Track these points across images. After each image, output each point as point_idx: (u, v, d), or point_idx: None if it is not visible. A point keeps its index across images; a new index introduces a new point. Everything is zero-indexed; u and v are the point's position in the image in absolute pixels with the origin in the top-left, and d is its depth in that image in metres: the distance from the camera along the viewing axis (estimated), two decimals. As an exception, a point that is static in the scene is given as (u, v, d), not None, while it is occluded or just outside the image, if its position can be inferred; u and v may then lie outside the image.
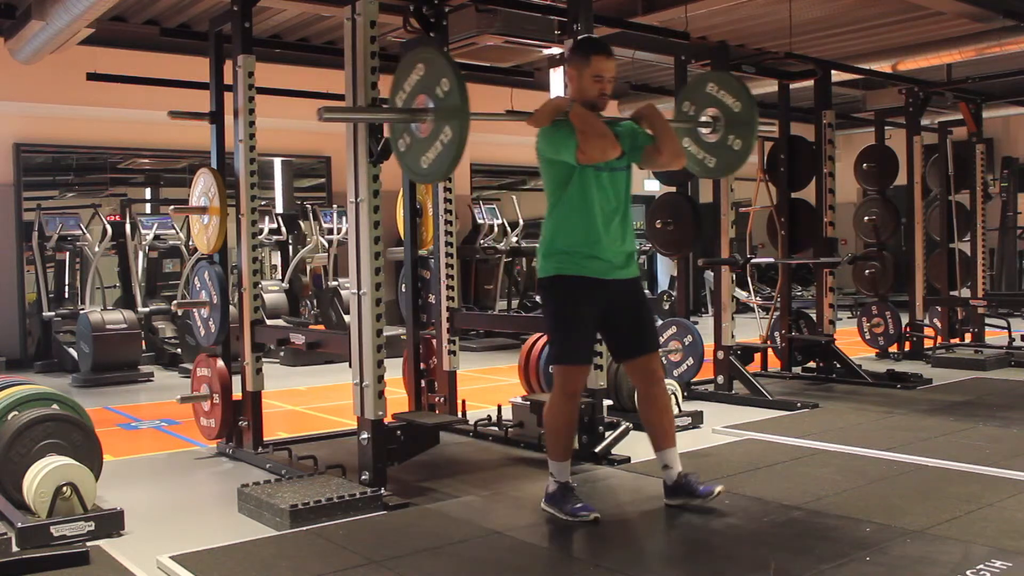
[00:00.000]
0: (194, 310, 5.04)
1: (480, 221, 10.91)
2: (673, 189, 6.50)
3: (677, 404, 5.25)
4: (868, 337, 8.27)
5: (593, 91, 3.46)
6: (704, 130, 4.23)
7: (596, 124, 3.38)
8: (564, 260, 3.46)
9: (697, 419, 5.33)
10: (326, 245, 9.97)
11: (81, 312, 8.09)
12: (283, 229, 10.63)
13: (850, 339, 8.30)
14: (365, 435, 3.89)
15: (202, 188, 4.90)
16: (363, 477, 3.88)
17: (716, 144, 4.21)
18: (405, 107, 3.45)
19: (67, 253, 9.39)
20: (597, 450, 4.38)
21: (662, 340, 6.11)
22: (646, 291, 3.69)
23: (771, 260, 7.42)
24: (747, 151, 4.14)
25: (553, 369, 3.54)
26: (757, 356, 7.12)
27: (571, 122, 3.38)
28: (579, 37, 4.19)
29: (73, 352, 8.08)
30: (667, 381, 5.13)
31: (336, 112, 3.73)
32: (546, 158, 3.50)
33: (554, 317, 3.52)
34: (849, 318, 10.60)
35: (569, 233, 3.46)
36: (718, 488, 3.47)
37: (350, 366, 3.94)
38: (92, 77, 7.07)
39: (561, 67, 4.68)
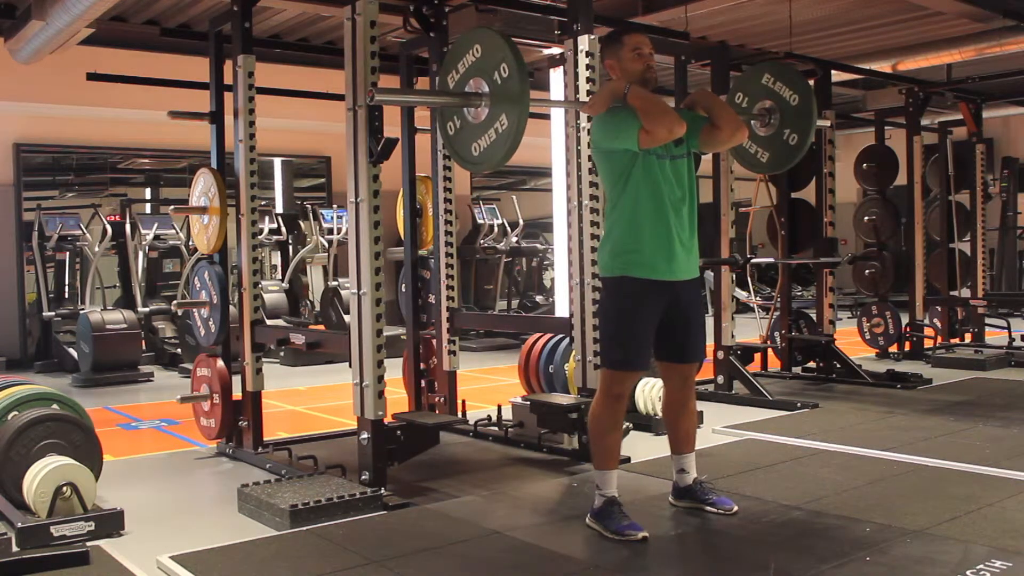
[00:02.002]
0: (194, 310, 5.04)
1: (480, 221, 10.92)
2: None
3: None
4: (868, 337, 8.27)
5: (638, 66, 3.31)
6: (756, 123, 4.09)
7: (658, 101, 3.21)
8: (632, 260, 3.28)
9: (697, 419, 5.31)
10: (326, 245, 9.98)
11: (81, 312, 8.09)
12: (283, 229, 10.63)
13: (850, 339, 8.30)
14: (365, 435, 3.89)
15: (202, 188, 4.90)
16: (363, 477, 3.88)
17: (770, 138, 4.04)
18: (459, 90, 3.29)
19: (67, 253, 9.39)
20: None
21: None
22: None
23: (771, 260, 7.42)
24: (804, 146, 3.97)
25: (603, 373, 3.36)
26: (757, 356, 7.11)
27: (629, 106, 3.21)
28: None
29: (73, 352, 8.08)
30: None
31: (388, 94, 3.63)
32: (603, 149, 3.34)
33: (616, 320, 3.31)
34: (849, 318, 10.59)
35: (638, 228, 3.26)
36: (735, 507, 3.46)
37: (350, 366, 3.94)
38: (92, 77, 7.07)
39: (561, 67, 4.68)
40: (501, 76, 3.14)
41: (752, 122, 4.11)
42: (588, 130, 4.26)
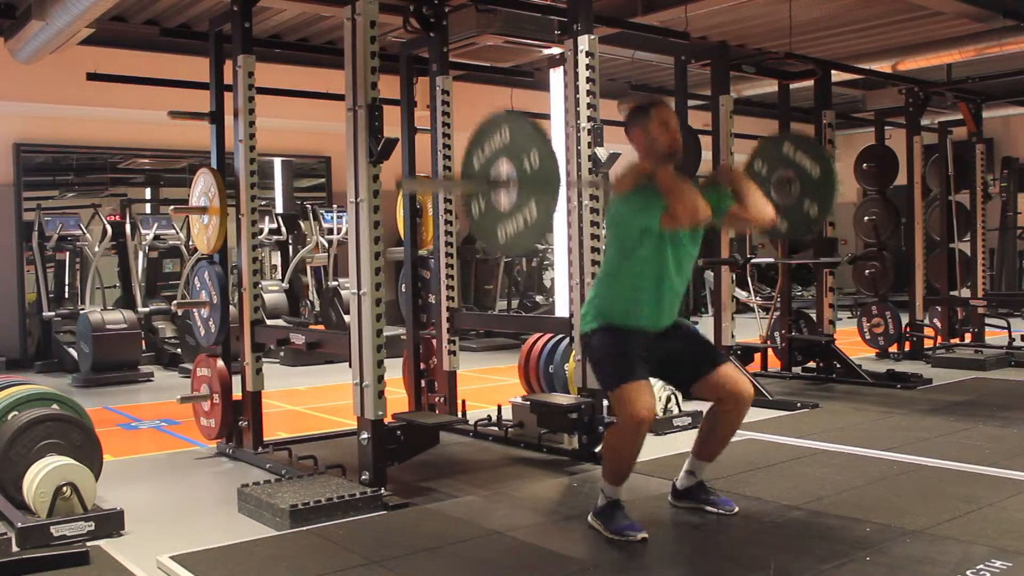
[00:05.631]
0: (194, 310, 5.04)
1: (480, 221, 10.89)
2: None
3: (677, 404, 5.25)
4: (868, 337, 8.27)
5: (665, 140, 3.28)
6: (774, 192, 4.07)
7: (687, 186, 3.20)
8: (618, 316, 3.30)
9: (697, 419, 5.30)
10: (326, 245, 9.98)
11: (81, 312, 8.10)
12: (283, 229, 10.64)
13: (850, 339, 8.30)
14: (365, 435, 3.89)
15: (202, 188, 4.90)
16: (363, 477, 3.88)
17: (790, 207, 4.04)
18: (484, 174, 3.20)
19: (67, 253, 9.40)
20: (597, 450, 4.37)
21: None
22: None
23: (771, 260, 7.42)
24: (823, 218, 3.97)
25: (612, 401, 3.28)
26: (757, 356, 7.11)
27: (656, 186, 3.20)
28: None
29: (73, 352, 8.08)
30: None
31: (414, 184, 3.60)
32: (621, 222, 3.32)
33: (606, 353, 3.30)
34: (849, 318, 10.59)
35: (633, 299, 3.29)
36: (736, 508, 3.47)
37: (350, 366, 3.94)
38: (92, 77, 7.08)
39: (561, 67, 4.68)
40: (531, 165, 3.05)
41: (771, 191, 4.08)
42: (589, 130, 4.26)
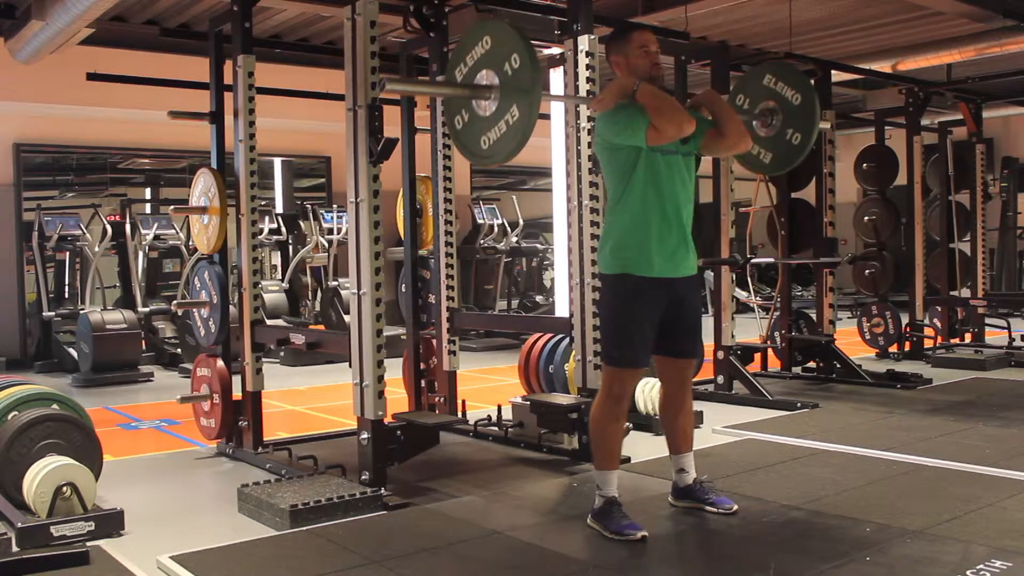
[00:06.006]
0: (194, 310, 5.04)
1: (480, 221, 10.92)
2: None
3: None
4: (868, 337, 8.27)
5: (645, 63, 3.30)
6: (758, 124, 4.08)
7: (668, 98, 3.21)
8: (634, 257, 3.27)
9: (697, 419, 5.29)
10: (326, 245, 9.98)
11: (81, 312, 8.10)
12: (283, 229, 10.64)
13: (850, 339, 8.30)
14: (365, 435, 3.89)
15: (202, 188, 4.90)
16: (363, 477, 3.88)
17: (773, 139, 4.03)
18: (467, 83, 3.26)
19: (67, 253, 9.39)
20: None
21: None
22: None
23: (771, 260, 7.42)
24: (807, 145, 3.96)
25: (604, 370, 3.37)
26: (757, 356, 7.11)
27: (638, 103, 3.19)
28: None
29: (73, 352, 8.08)
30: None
31: (400, 83, 3.64)
32: (609, 144, 3.30)
33: (615, 318, 3.32)
34: (849, 318, 10.59)
35: (642, 226, 3.26)
36: (735, 506, 3.47)
37: (350, 366, 3.94)
38: (92, 77, 7.06)
39: (561, 67, 4.68)
40: (512, 67, 3.09)
41: (754, 123, 4.09)
42: (589, 129, 4.27)
